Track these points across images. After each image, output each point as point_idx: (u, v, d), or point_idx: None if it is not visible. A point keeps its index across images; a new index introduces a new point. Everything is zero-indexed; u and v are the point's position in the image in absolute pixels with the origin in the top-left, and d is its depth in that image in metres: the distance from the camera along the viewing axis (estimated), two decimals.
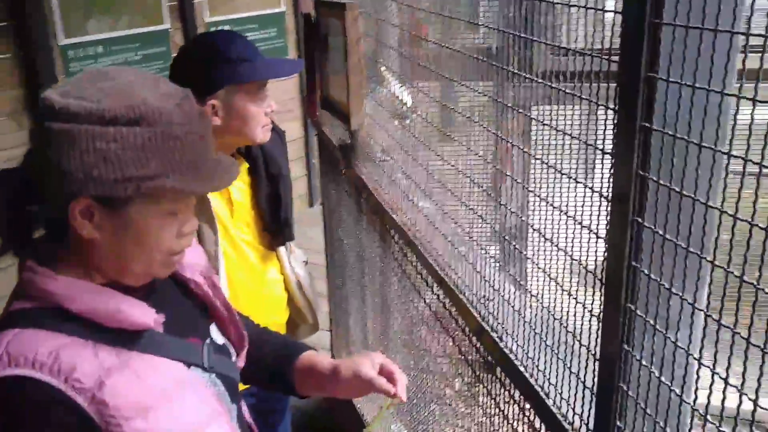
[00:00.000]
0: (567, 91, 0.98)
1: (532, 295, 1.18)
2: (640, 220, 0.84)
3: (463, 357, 1.51)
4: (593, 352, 0.98)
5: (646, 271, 0.85)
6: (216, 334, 1.23)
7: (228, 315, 1.26)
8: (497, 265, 1.35)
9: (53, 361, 0.95)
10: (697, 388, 0.83)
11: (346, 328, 2.90)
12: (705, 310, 0.79)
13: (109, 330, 1.00)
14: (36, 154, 0.97)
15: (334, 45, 2.21)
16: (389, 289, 2.21)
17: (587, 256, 0.99)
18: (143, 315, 1.04)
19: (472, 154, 1.39)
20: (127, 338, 1.02)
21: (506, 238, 1.27)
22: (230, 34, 1.86)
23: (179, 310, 1.17)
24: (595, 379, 0.98)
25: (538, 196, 1.11)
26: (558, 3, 1.01)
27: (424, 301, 1.76)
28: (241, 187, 1.92)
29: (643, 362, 0.88)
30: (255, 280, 1.99)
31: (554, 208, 1.07)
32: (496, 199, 1.31)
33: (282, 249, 2.08)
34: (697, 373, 0.81)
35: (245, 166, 1.92)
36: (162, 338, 1.08)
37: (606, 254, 0.91)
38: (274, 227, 1.99)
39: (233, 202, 1.89)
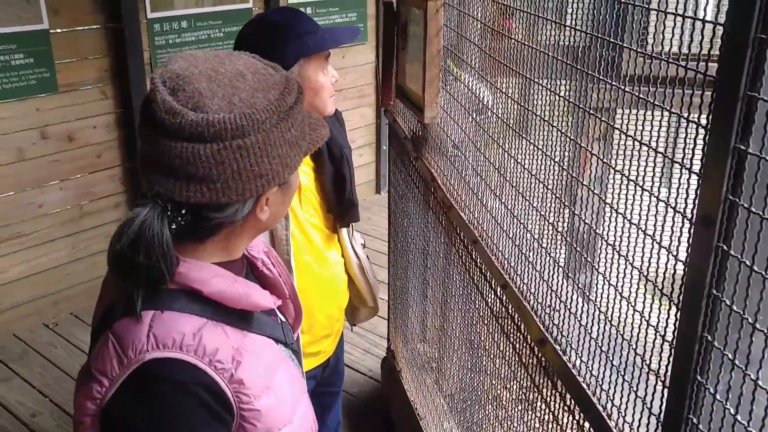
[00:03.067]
0: (654, 102, 0.92)
1: (600, 311, 1.13)
2: (725, 247, 0.79)
3: (523, 365, 1.47)
4: (663, 379, 0.93)
5: (728, 302, 0.80)
6: (278, 311, 1.27)
7: (291, 292, 1.29)
8: (565, 274, 1.30)
9: (198, 343, 0.98)
10: None
11: (405, 319, 2.89)
12: None
13: (230, 310, 1.04)
14: (213, 173, 0.94)
15: (413, 35, 2.17)
16: (451, 286, 2.18)
17: (663, 277, 0.94)
18: (266, 298, 1.09)
19: (547, 157, 1.35)
20: (244, 318, 1.07)
21: (577, 248, 1.22)
22: (290, 9, 1.88)
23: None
24: (663, 407, 0.93)
25: (615, 209, 1.06)
26: (654, 9, 0.95)
27: (486, 303, 1.72)
28: (305, 170, 1.92)
29: (718, 397, 0.83)
30: (320, 262, 2.00)
31: (631, 223, 1.02)
32: (569, 206, 1.26)
33: (344, 231, 2.08)
34: None
35: None
36: (261, 317, 1.12)
37: (684, 278, 0.86)
38: (340, 208, 2.00)
39: (301, 186, 1.90)
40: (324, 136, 1.10)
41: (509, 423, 1.68)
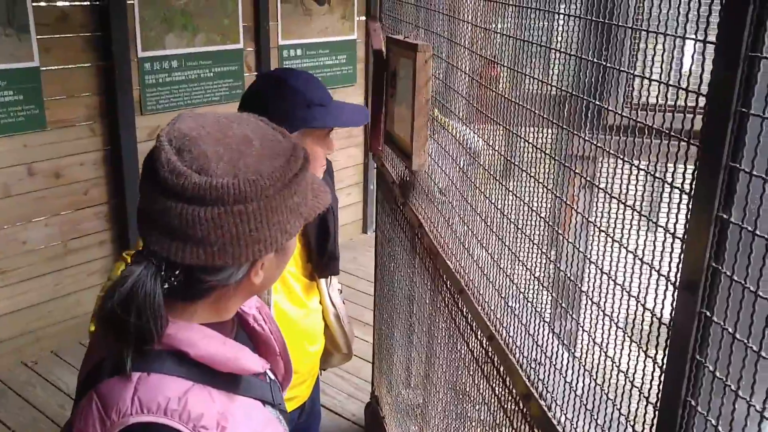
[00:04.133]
0: (639, 166, 0.94)
1: (584, 369, 1.13)
2: (708, 313, 0.80)
3: (507, 417, 1.46)
4: None
5: (710, 368, 0.80)
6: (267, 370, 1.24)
7: (281, 349, 1.27)
8: (550, 328, 1.30)
9: (183, 408, 0.96)
10: None
11: (389, 364, 2.87)
12: None
13: (217, 373, 1.02)
14: (211, 236, 0.93)
15: (402, 83, 2.20)
16: (437, 333, 2.17)
17: (647, 339, 0.94)
18: (255, 362, 1.07)
19: (529, 209, 1.36)
20: (231, 381, 1.05)
21: (561, 303, 1.22)
22: (308, 76, 1.88)
23: (248, 347, 1.18)
24: None
25: (599, 268, 1.06)
26: (638, 76, 0.97)
27: (472, 354, 1.71)
28: None
29: None
30: (300, 310, 1.99)
31: (615, 283, 1.02)
32: (552, 260, 1.27)
33: (323, 280, 2.08)
34: None
35: None
36: (250, 379, 1.10)
37: (668, 342, 0.86)
38: (321, 261, 1.99)
39: None
40: (325, 203, 1.09)
41: None
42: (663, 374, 0.88)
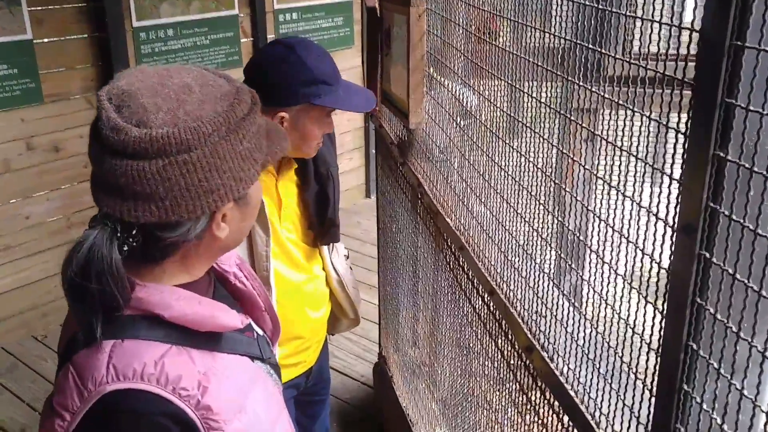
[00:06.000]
0: (634, 109, 0.92)
1: (586, 319, 1.13)
2: (707, 254, 0.78)
3: (511, 371, 1.46)
4: (650, 387, 0.92)
5: (711, 310, 0.79)
6: (254, 325, 1.24)
7: (266, 305, 1.26)
8: (551, 281, 1.29)
9: (160, 371, 0.94)
10: None
11: (395, 324, 2.88)
12: None
13: (196, 333, 1.01)
14: (160, 191, 0.91)
15: (397, 40, 2.17)
16: (440, 292, 2.17)
17: (647, 284, 0.93)
18: (233, 318, 1.05)
19: (530, 163, 1.34)
20: (212, 340, 1.03)
21: (562, 255, 1.21)
22: (321, 52, 1.79)
23: (228, 304, 1.17)
24: (651, 417, 0.92)
25: (597, 216, 1.05)
26: (631, 15, 0.95)
27: (475, 310, 1.71)
28: (288, 186, 1.90)
29: (704, 406, 0.82)
30: (300, 276, 1.98)
31: (614, 230, 1.01)
32: (552, 213, 1.26)
33: (324, 246, 2.06)
34: (765, 427, 0.75)
35: (293, 165, 1.90)
36: (234, 335, 1.09)
37: (668, 286, 0.85)
38: (321, 228, 1.98)
39: (282, 202, 1.88)
40: (284, 149, 1.06)
41: (500, 429, 1.67)
42: (663, 319, 0.87)
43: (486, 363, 1.70)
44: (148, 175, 0.90)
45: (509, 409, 1.59)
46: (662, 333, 0.88)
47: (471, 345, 1.83)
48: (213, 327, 1.02)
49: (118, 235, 0.93)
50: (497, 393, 1.68)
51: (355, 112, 1.89)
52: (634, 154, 0.94)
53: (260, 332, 1.24)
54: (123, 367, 0.94)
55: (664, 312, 0.87)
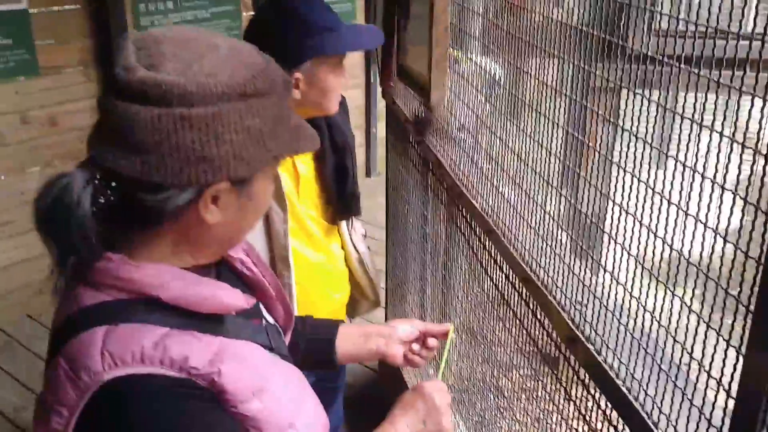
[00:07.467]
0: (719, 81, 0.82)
1: (645, 309, 1.04)
2: None
3: (548, 366, 1.38)
4: (727, 389, 0.84)
5: None
6: (265, 313, 1.16)
7: (276, 292, 1.17)
8: (592, 266, 1.21)
9: (162, 353, 0.84)
10: None
11: (403, 309, 2.80)
12: None
13: (197, 316, 0.91)
14: (149, 142, 0.83)
15: (417, 11, 2.06)
16: (454, 277, 2.08)
17: (730, 276, 0.84)
18: (236, 298, 0.95)
19: (574, 138, 1.25)
20: (214, 324, 0.94)
21: (615, 240, 1.12)
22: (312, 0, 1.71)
23: (234, 286, 1.08)
24: (728, 421, 0.84)
25: (667, 200, 0.96)
26: None
27: (503, 297, 1.62)
28: (305, 160, 1.81)
29: None
30: (320, 256, 1.90)
31: (687, 214, 0.92)
32: (606, 195, 1.17)
33: (344, 223, 1.98)
34: None
35: None
36: (238, 321, 1.00)
37: (761, 278, 0.76)
38: (341, 201, 1.89)
39: (299, 177, 1.79)
40: (308, 148, 0.97)
41: (513, 416, 1.60)
42: (750, 314, 0.79)
43: (514, 353, 1.62)
44: (141, 122, 0.82)
45: (522, 399, 1.52)
46: (748, 330, 0.80)
47: (492, 332, 1.75)
48: (216, 307, 0.92)
49: (96, 181, 0.85)
50: (517, 375, 1.61)
51: (367, 50, 1.82)
52: (716, 130, 0.85)
53: (271, 321, 1.16)
54: (119, 352, 0.83)
55: (752, 307, 0.79)
